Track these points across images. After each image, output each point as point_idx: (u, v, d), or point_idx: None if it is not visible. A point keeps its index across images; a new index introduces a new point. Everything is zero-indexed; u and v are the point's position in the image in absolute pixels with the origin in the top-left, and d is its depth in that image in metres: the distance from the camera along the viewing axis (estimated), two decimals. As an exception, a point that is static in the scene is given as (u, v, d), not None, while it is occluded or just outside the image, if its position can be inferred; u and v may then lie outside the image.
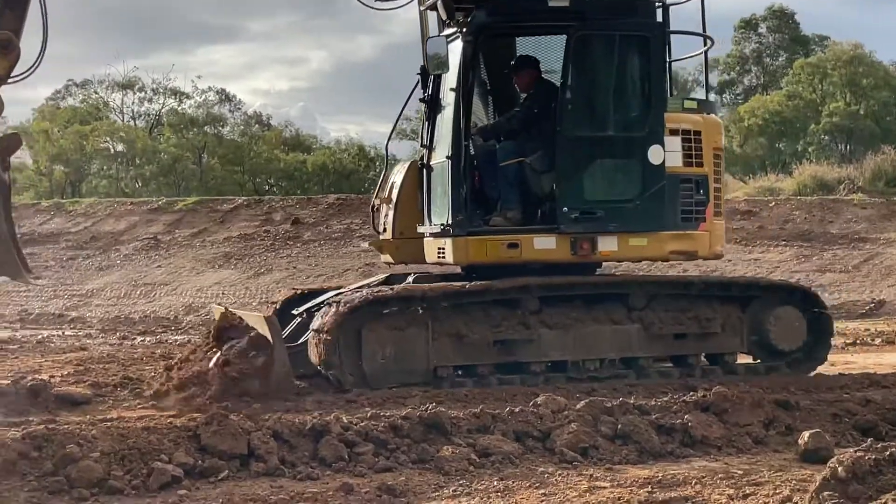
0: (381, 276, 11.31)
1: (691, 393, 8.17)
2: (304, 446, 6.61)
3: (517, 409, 7.25)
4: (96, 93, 54.28)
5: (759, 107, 45.71)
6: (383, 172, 11.63)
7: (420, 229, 10.65)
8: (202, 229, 28.15)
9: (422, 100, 10.75)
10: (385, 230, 11.04)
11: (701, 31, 10.97)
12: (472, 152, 10.20)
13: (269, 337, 8.78)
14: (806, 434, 6.88)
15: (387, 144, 12.61)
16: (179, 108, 52.99)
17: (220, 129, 53.15)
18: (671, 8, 10.34)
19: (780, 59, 54.70)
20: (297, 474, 6.30)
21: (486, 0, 10.02)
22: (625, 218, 9.97)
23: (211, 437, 6.41)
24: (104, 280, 25.18)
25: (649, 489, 5.74)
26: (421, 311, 9.45)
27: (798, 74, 46.72)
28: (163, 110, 53.27)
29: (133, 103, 54.04)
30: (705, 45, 11.14)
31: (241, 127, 54.62)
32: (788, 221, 23.92)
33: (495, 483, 6.06)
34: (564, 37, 10.15)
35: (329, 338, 9.07)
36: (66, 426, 6.64)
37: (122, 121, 53.39)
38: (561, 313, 9.79)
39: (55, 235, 29.54)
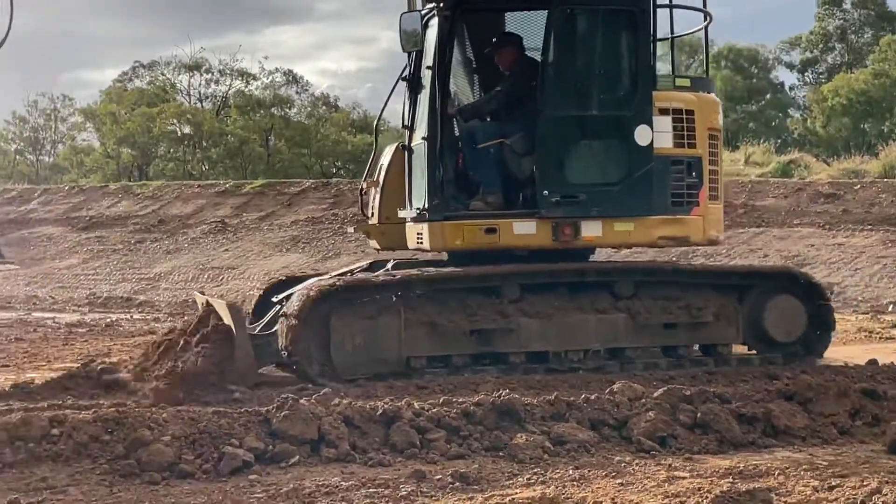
0: (365, 263, 11.15)
1: (774, 381, 8.09)
2: (376, 432, 6.64)
3: (592, 397, 7.21)
4: (163, 74, 55.07)
5: (843, 86, 45.01)
6: (372, 154, 11.47)
7: (401, 214, 10.48)
8: (270, 212, 28.43)
9: (403, 78, 10.49)
10: (373, 215, 10.90)
11: (701, 5, 10.69)
12: (457, 133, 10.04)
13: (232, 325, 8.66)
14: (894, 424, 6.77)
15: (376, 125, 12.35)
16: (246, 89, 53.61)
17: (288, 110, 53.68)
18: None
19: (865, 36, 53.82)
20: (368, 460, 6.33)
21: None
22: (609, 202, 9.67)
23: (281, 421, 6.46)
24: (172, 264, 25.54)
25: (731, 480, 5.68)
26: (394, 299, 9.28)
27: (885, 52, 45.87)
28: (230, 92, 53.89)
29: (200, 85, 54.78)
30: (705, 20, 10.86)
31: (309, 108, 55.12)
32: (874, 205, 23.45)
33: (570, 472, 6.04)
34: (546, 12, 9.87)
35: (295, 327, 8.85)
36: (136, 409, 6.74)
37: (189, 103, 54.10)
38: (543, 301, 9.53)
39: (123, 218, 30.04)
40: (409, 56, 10.33)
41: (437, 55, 9.72)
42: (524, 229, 9.54)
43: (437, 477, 5.88)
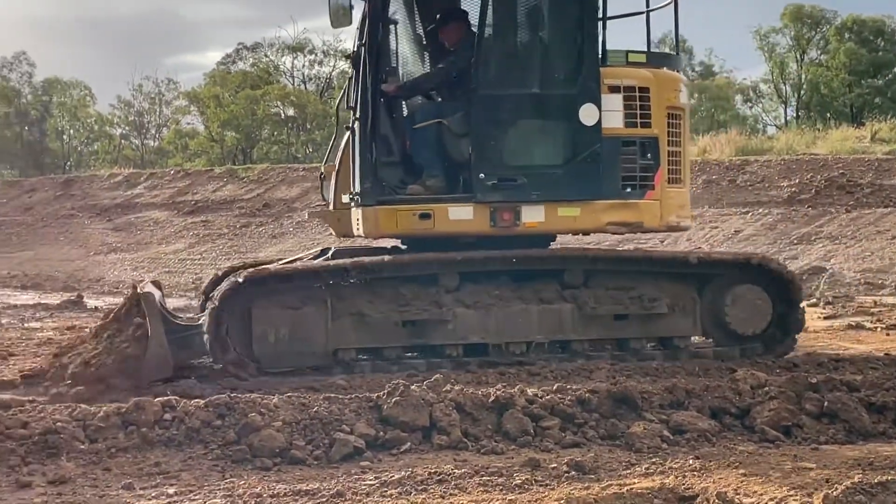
0: (317, 250, 10.89)
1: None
2: (488, 419, 6.67)
3: (713, 384, 7.14)
4: (266, 56, 55.83)
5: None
6: (333, 138, 11.18)
7: (344, 199, 10.20)
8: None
9: (347, 56, 10.08)
10: (330, 200, 10.70)
11: None
12: (395, 114, 9.79)
13: (147, 317, 8.59)
14: None
15: (337, 107, 11.75)
16: (350, 70, 53.87)
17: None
18: None
19: None
20: (480, 448, 6.37)
21: None
22: (551, 185, 9.29)
23: (392, 408, 6.53)
24: (277, 248, 25.89)
25: (860, 471, 5.57)
26: (321, 289, 9.10)
27: None
28: (333, 73, 54.37)
29: (303, 66, 55.40)
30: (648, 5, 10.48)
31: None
32: None
33: (690, 462, 5.99)
34: None
35: (213, 318, 8.72)
36: (247, 395, 6.86)
37: (293, 84, 54.74)
38: (482, 291, 9.26)
39: (228, 202, 30.54)
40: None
41: (369, 31, 9.40)
42: (460, 215, 9.21)
43: (552, 465, 5.88)
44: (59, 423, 6.19)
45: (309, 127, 50.81)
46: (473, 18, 9.96)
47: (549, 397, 6.86)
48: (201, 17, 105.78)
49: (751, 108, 61.03)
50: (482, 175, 9.22)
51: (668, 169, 9.66)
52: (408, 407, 6.55)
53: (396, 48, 10.43)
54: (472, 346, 9.24)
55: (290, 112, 51.09)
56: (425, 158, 9.58)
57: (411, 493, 5.43)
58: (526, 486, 5.53)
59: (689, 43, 64.52)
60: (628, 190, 9.48)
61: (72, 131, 69.42)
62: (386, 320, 9.06)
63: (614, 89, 9.42)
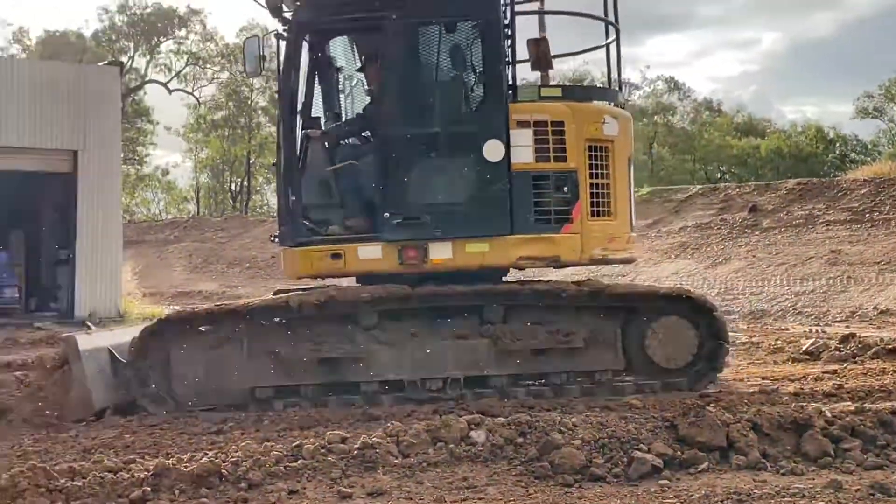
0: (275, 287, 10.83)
1: None
2: (786, 440, 6.53)
3: None
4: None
5: None
6: None
7: None
8: (657, 219, 28.44)
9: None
10: None
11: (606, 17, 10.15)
12: (313, 156, 9.63)
13: (69, 358, 8.71)
14: None
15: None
16: (629, 98, 54.03)
17: (670, 117, 53.51)
18: None
19: None
20: (779, 469, 6.21)
21: None
22: (456, 222, 9.12)
23: (689, 428, 6.48)
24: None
25: None
26: (237, 329, 8.97)
27: None
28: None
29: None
30: (607, 36, 10.16)
31: (691, 115, 54.66)
32: None
33: None
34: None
35: (133, 359, 8.79)
36: (546, 413, 6.96)
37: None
38: (398, 329, 9.08)
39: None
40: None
41: (284, 78, 9.44)
42: (369, 254, 9.18)
43: (855, 488, 5.68)
44: (374, 439, 6.48)
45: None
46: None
47: (849, 418, 6.64)
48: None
49: None
50: (387, 214, 9.17)
51: (592, 202, 9.38)
52: (704, 427, 6.49)
53: (338, 91, 10.55)
54: (391, 382, 9.17)
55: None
56: (345, 200, 9.63)
57: (711, 512, 5.37)
58: (828, 509, 5.37)
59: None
60: (542, 224, 9.23)
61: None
62: (301, 359, 8.99)
63: (523, 124, 9.22)
